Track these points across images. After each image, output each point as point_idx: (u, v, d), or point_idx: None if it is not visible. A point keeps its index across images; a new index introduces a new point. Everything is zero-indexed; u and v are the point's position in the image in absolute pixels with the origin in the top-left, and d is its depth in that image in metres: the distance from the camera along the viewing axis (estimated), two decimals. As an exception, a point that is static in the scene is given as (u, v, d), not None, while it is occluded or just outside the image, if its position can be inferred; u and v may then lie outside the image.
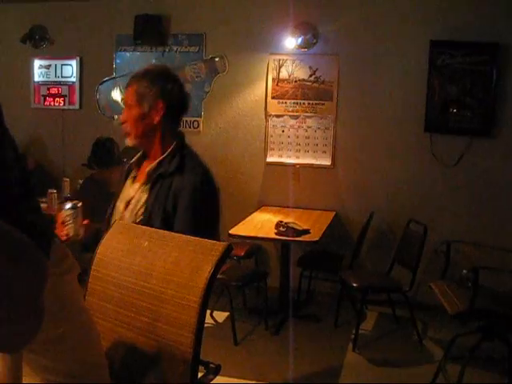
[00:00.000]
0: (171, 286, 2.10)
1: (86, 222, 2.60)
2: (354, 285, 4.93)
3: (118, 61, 6.60)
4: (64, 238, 2.50)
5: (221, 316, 5.27)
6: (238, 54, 6.06)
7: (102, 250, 2.35)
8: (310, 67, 5.92)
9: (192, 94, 6.32)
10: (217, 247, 2.09)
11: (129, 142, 2.55)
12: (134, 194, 2.57)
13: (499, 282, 4.30)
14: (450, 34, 5.50)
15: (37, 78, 6.90)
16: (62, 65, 6.82)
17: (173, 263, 2.15)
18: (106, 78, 6.62)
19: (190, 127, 6.32)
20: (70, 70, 6.79)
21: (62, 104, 6.86)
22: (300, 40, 5.82)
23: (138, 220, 2.47)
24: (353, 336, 4.89)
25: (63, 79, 6.84)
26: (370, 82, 5.82)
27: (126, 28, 6.39)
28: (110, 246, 2.35)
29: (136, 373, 2.18)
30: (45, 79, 6.90)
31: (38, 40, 6.71)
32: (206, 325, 5.28)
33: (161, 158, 2.52)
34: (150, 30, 6.33)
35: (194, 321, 2.03)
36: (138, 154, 2.65)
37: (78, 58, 6.71)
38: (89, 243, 2.55)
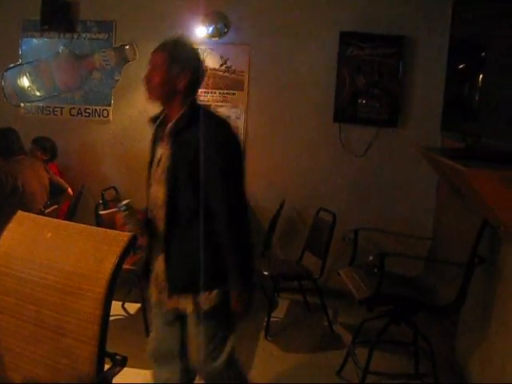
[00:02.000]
0: (75, 278, 2.07)
1: (140, 217, 2.78)
2: (266, 273, 4.97)
3: (24, 47, 6.39)
4: None
5: (133, 307, 5.20)
6: (148, 43, 5.88)
7: (3, 243, 2.29)
8: (221, 56, 5.91)
9: (101, 82, 6.21)
10: (121, 238, 2.07)
11: (150, 99, 2.76)
12: (163, 152, 2.74)
13: (405, 267, 4.42)
14: (360, 26, 5.61)
15: None
16: (-36, 51, 6.56)
17: (77, 255, 2.11)
18: (12, 65, 6.41)
19: (99, 116, 6.20)
20: (-27, 56, 6.54)
21: (-36, 92, 6.60)
22: (211, 29, 5.80)
23: (168, 171, 2.66)
24: (265, 324, 4.94)
25: (-35, 66, 6.58)
26: (281, 72, 5.86)
27: (32, 13, 6.19)
28: (11, 238, 2.29)
29: (40, 367, 2.14)
30: None
31: None
32: (117, 317, 5.21)
33: (177, 116, 2.70)
34: (58, 16, 6.16)
35: (99, 312, 2.00)
36: (161, 118, 2.85)
37: (-18, 44, 6.48)
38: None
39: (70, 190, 5.36)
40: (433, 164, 4.92)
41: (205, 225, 2.64)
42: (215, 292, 2.69)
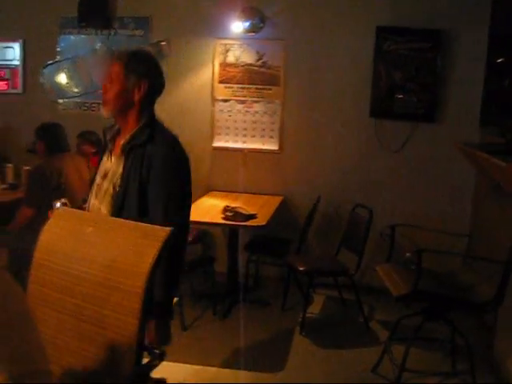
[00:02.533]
0: (115, 272, 2.09)
1: None
2: (301, 269, 4.97)
3: (62, 44, 6.47)
4: None
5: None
6: (184, 38, 6.00)
7: (45, 237, 2.32)
8: (257, 52, 5.91)
9: (138, 78, 6.25)
10: (160, 233, 2.08)
11: (105, 113, 2.68)
12: (110, 166, 2.68)
13: (442, 263, 4.38)
14: (396, 21, 5.56)
15: (-22, 61, 6.74)
16: (4, 47, 6.65)
17: (117, 249, 2.13)
18: (50, 62, 6.47)
19: (136, 112, 6.24)
20: (13, 52, 6.63)
21: (4, 88, 6.70)
22: (247, 24, 5.79)
23: (117, 189, 2.59)
24: (300, 319, 4.94)
25: (6, 62, 6.67)
26: (317, 67, 5.84)
27: (70, 10, 6.24)
28: (52, 233, 2.32)
29: (80, 359, 2.16)
30: (-14, 62, 6.73)
31: (-21, 22, 6.53)
32: (152, 311, 5.17)
33: (134, 130, 2.64)
34: (95, 13, 6.20)
35: (138, 306, 2.02)
36: (113, 130, 2.77)
37: (21, 41, 6.56)
38: None
39: None
40: (471, 159, 4.87)
41: None
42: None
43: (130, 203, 2.56)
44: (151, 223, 2.29)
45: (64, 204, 2.74)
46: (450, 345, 4.23)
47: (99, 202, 2.65)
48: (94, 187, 2.73)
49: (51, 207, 2.76)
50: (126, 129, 2.68)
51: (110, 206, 2.60)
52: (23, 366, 1.72)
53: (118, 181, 2.60)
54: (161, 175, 2.55)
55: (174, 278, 2.54)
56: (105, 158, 2.77)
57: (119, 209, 2.56)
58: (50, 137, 4.87)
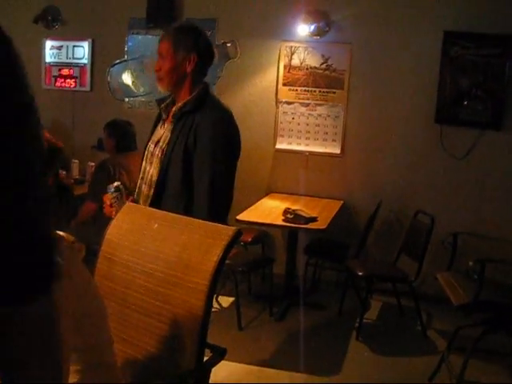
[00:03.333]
0: (180, 269, 2.12)
1: (130, 199, 2.88)
2: (360, 273, 4.94)
3: (129, 44, 6.59)
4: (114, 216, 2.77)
5: (226, 301, 5.29)
6: (250, 40, 6.04)
7: (112, 232, 2.36)
8: (322, 55, 5.89)
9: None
10: (226, 231, 2.10)
11: (161, 88, 2.84)
12: (163, 132, 2.84)
13: (505, 274, 4.30)
14: (464, 26, 5.47)
15: (48, 59, 6.90)
16: (73, 46, 6.81)
17: (182, 246, 2.16)
18: (118, 61, 6.62)
19: (200, 112, 6.32)
20: (82, 51, 6.79)
21: (73, 85, 6.86)
22: (313, 27, 5.78)
23: (165, 153, 2.73)
24: (357, 325, 4.91)
25: (75, 61, 6.83)
26: (382, 72, 5.80)
27: (138, 11, 6.37)
28: (119, 228, 2.36)
29: (142, 353, 2.20)
30: (56, 60, 6.89)
31: (51, 21, 6.69)
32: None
33: (187, 99, 2.76)
34: (163, 14, 6.32)
35: (202, 304, 2.04)
36: (167, 101, 2.89)
37: (90, 40, 6.71)
38: None
39: None
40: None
41: (186, 211, 2.64)
42: None
43: (174, 168, 2.68)
44: (195, 191, 2.52)
45: (117, 188, 2.80)
46: (511, 358, 4.14)
47: (150, 166, 2.80)
48: (147, 154, 2.88)
49: (106, 192, 2.86)
50: (180, 99, 2.81)
51: (157, 170, 2.74)
52: (93, 357, 1.77)
53: (166, 145, 2.76)
54: (206, 144, 2.66)
55: None
56: (158, 127, 2.92)
57: (165, 172, 2.69)
58: (120, 135, 4.90)
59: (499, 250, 4.88)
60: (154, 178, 2.75)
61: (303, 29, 5.81)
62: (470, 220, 5.52)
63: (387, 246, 5.77)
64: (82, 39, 6.74)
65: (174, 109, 2.80)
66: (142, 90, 6.60)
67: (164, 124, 2.87)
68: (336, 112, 5.90)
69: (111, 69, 6.65)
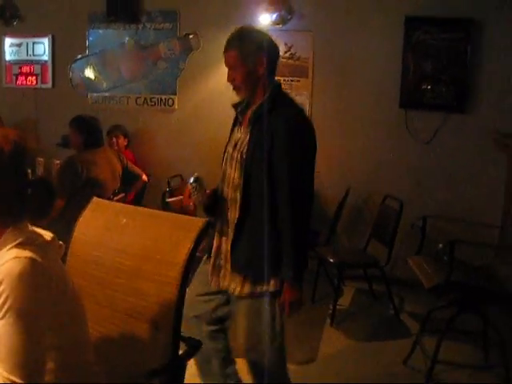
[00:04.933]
0: (150, 263, 2.10)
1: (208, 191, 2.91)
2: (331, 260, 4.96)
3: (90, 38, 6.52)
4: (192, 207, 2.92)
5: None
6: (212, 31, 6.00)
7: (80, 229, 2.34)
8: (285, 44, 5.88)
9: (166, 71, 6.28)
10: (196, 223, 2.09)
11: (239, 96, 2.88)
12: (240, 136, 2.87)
13: (474, 255, 4.34)
14: (425, 11, 5.50)
15: (8, 57, 6.81)
16: (33, 43, 6.72)
17: (151, 240, 2.14)
18: (79, 56, 6.54)
19: (164, 105, 6.28)
20: (42, 48, 6.70)
21: (34, 83, 6.77)
22: (275, 16, 5.77)
23: (244, 157, 2.75)
24: (330, 311, 4.93)
25: (35, 57, 6.74)
26: (345, 59, 5.81)
27: (98, 5, 6.31)
28: (87, 224, 2.34)
29: (116, 349, 2.18)
30: (16, 58, 6.80)
31: (9, 17, 6.59)
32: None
33: (262, 100, 2.79)
34: (124, 7, 6.26)
35: (175, 297, 2.03)
36: (243, 104, 2.92)
37: (50, 36, 6.62)
38: (209, 208, 2.92)
39: (144, 176, 5.36)
40: (503, 148, 4.81)
41: (273, 212, 2.69)
42: (277, 278, 2.74)
43: (256, 170, 2.71)
44: (278, 192, 2.61)
45: (196, 179, 2.84)
46: (483, 337, 4.19)
47: (231, 169, 2.82)
48: (227, 156, 2.90)
49: (188, 181, 2.89)
50: (255, 101, 2.83)
51: (240, 173, 2.76)
52: (71, 356, 1.76)
53: (245, 149, 2.76)
54: (283, 144, 2.67)
55: (301, 245, 2.72)
56: (235, 130, 2.95)
57: (248, 175, 2.72)
58: (89, 131, 4.80)
59: (467, 231, 4.93)
60: (238, 181, 2.77)
61: (265, 18, 5.78)
62: (438, 203, 5.57)
63: (357, 232, 5.81)
64: (42, 36, 6.65)
65: (249, 112, 2.83)
66: (105, 85, 6.54)
67: (241, 127, 2.91)
68: (301, 100, 5.86)
69: (73, 65, 6.57)
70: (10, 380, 1.50)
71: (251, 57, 2.76)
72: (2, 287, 1.54)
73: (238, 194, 2.76)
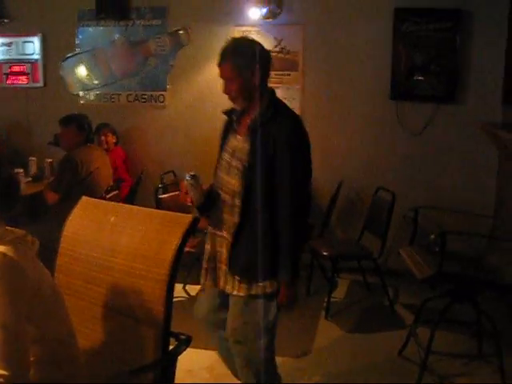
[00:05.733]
0: (139, 260, 2.11)
1: (205, 188, 2.95)
2: (325, 253, 4.98)
3: (80, 36, 6.50)
4: (189, 204, 2.91)
5: (193, 289, 5.25)
6: (202, 27, 5.99)
7: (69, 227, 2.35)
8: (275, 38, 5.87)
9: (157, 67, 6.28)
10: (183, 220, 2.10)
11: (237, 106, 2.91)
12: (237, 144, 2.89)
13: (466, 246, 4.35)
14: (414, 1, 5.50)
15: (-2, 57, 6.80)
16: (23, 42, 6.70)
17: (140, 237, 2.15)
18: (70, 55, 6.52)
19: (155, 101, 6.27)
20: (33, 47, 6.68)
21: (25, 82, 6.75)
22: (264, 10, 5.76)
23: (245, 165, 2.80)
24: (325, 304, 4.94)
25: (26, 57, 6.72)
26: (335, 51, 5.80)
27: (88, 3, 6.28)
28: (76, 223, 2.35)
29: (107, 346, 2.19)
30: (6, 57, 6.78)
31: (-1, 17, 6.58)
32: (178, 298, 5.25)
33: (260, 110, 2.82)
34: (113, 4, 6.25)
35: (164, 293, 2.04)
36: (238, 112, 2.96)
37: (40, 35, 6.60)
38: (203, 207, 2.94)
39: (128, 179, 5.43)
40: (494, 139, 4.82)
41: (272, 217, 2.76)
42: (273, 280, 2.81)
43: (257, 178, 2.76)
44: (280, 194, 2.68)
45: (193, 175, 2.85)
46: (476, 327, 4.21)
47: (229, 177, 2.86)
48: (223, 163, 2.93)
49: (185, 178, 2.88)
50: (251, 109, 2.86)
51: (240, 181, 2.80)
52: (52, 349, 1.78)
53: (245, 157, 2.80)
54: (285, 150, 2.73)
55: (298, 242, 2.82)
56: (230, 138, 2.96)
57: (249, 183, 2.77)
58: (89, 128, 4.98)
59: (459, 222, 4.93)
60: (237, 189, 2.81)
61: (255, 12, 5.78)
62: (429, 194, 5.58)
63: (350, 225, 5.82)
64: (32, 34, 6.63)
65: (248, 121, 2.86)
66: (96, 82, 6.52)
67: (236, 135, 2.93)
68: (292, 94, 5.89)
69: (63, 63, 6.55)
70: None
71: (246, 68, 2.79)
72: None
73: (237, 200, 2.81)
